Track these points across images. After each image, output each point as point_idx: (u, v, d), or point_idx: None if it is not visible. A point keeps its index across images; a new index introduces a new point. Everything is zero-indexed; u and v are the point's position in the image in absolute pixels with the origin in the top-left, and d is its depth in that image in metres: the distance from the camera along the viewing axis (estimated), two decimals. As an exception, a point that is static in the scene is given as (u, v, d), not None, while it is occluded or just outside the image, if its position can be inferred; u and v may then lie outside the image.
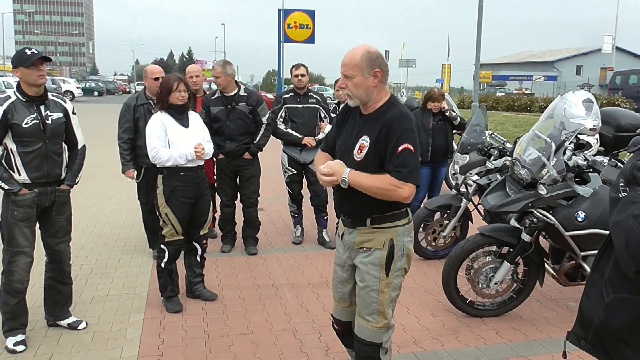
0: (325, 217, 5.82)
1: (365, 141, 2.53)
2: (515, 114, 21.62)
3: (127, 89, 62.75)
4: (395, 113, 2.50)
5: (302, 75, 5.62)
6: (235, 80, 5.31)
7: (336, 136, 2.74)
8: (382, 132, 2.47)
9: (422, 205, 5.49)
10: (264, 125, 5.30)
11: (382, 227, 2.57)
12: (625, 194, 1.69)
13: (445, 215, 5.34)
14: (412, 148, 2.42)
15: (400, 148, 2.42)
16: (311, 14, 24.96)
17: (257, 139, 5.30)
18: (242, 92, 5.27)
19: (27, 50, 3.37)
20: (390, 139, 2.44)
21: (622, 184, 1.71)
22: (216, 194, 5.71)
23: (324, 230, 5.84)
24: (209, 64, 55.27)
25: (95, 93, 50.03)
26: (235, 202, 5.51)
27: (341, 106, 5.80)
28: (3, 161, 3.37)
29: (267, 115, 5.33)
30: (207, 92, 5.67)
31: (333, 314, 2.93)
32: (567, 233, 3.70)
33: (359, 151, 2.54)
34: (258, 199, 5.52)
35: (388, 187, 2.43)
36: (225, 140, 5.23)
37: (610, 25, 41.93)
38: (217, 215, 5.79)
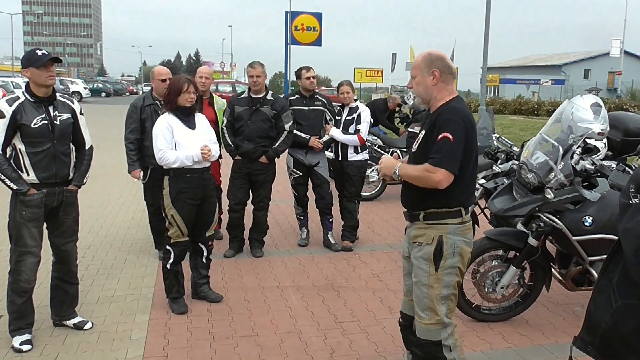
0: (330, 220, 5.82)
1: (422, 134, 2.75)
2: (522, 117, 21.57)
3: (135, 90, 62.98)
4: (445, 107, 2.67)
5: (314, 77, 5.67)
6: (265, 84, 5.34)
7: None
8: (432, 124, 2.66)
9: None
10: (285, 132, 5.27)
11: (434, 223, 2.70)
12: (636, 200, 1.67)
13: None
14: (450, 137, 2.54)
15: (439, 137, 2.58)
16: (318, 16, 24.99)
17: (277, 144, 5.26)
18: (269, 96, 5.27)
19: (37, 51, 3.40)
20: (435, 130, 2.62)
21: (632, 190, 1.69)
22: (223, 196, 5.71)
23: (330, 232, 5.83)
24: (216, 66, 55.50)
25: (103, 94, 50.28)
26: (245, 208, 5.45)
27: (345, 109, 5.85)
28: (12, 161, 3.40)
29: (290, 122, 5.32)
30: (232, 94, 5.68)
31: (400, 308, 3.05)
32: (574, 238, 3.68)
33: (416, 143, 2.78)
34: (269, 203, 5.52)
35: (423, 173, 2.60)
36: (244, 140, 5.22)
37: (618, 29, 41.79)
38: (223, 217, 5.79)
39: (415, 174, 2.65)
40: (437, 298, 2.68)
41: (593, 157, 4.03)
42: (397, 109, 10.61)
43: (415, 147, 2.77)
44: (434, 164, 2.55)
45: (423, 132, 2.74)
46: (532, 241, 3.80)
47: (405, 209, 2.85)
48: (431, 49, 2.81)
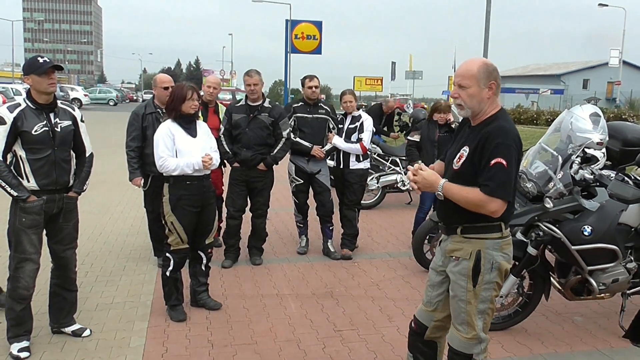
0: (330, 228, 5.82)
1: (465, 151, 2.62)
2: (522, 126, 21.61)
3: (135, 97, 63.04)
4: (495, 126, 2.54)
5: (316, 87, 5.67)
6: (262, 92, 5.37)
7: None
8: (480, 143, 2.53)
9: (427, 217, 5.48)
10: (283, 139, 5.29)
11: (472, 237, 2.63)
12: None
13: (451, 227, 5.30)
14: (504, 163, 2.46)
15: (492, 162, 2.47)
16: (318, 25, 25.14)
17: (275, 151, 5.28)
18: (266, 104, 5.29)
19: (39, 58, 3.41)
20: (485, 152, 2.50)
21: None
22: (223, 205, 5.71)
23: (329, 240, 5.83)
24: (216, 73, 55.73)
25: (111, 102, 50.17)
26: (243, 215, 5.45)
27: (348, 117, 5.87)
28: (12, 168, 3.40)
29: (288, 130, 5.34)
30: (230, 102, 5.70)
31: (415, 313, 3.00)
32: (573, 247, 3.68)
33: (458, 160, 2.64)
34: (267, 210, 5.52)
35: (476, 200, 2.51)
36: (242, 147, 5.23)
37: (617, 39, 41.94)
38: (223, 225, 5.78)
39: (464, 203, 2.54)
40: (475, 313, 2.65)
41: (592, 166, 4.04)
42: (397, 117, 10.64)
43: (458, 165, 2.62)
44: (489, 193, 2.47)
45: (467, 148, 2.60)
46: (531, 250, 3.80)
47: (442, 222, 2.78)
48: (484, 58, 2.62)
